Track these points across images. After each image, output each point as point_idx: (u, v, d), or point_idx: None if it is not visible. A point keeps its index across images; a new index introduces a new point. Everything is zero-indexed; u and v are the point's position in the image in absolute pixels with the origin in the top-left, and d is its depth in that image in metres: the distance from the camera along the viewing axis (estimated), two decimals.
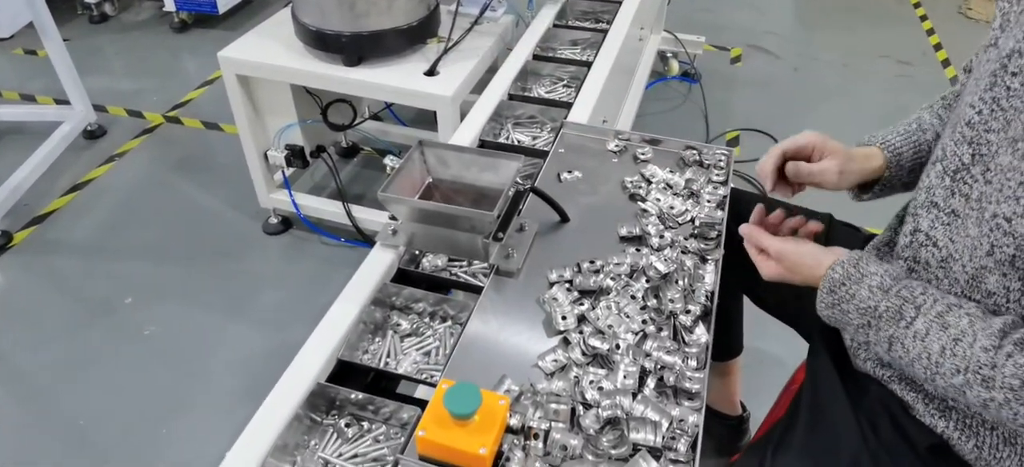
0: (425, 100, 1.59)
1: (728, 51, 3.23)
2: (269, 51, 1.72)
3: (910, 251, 0.82)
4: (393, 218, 1.02)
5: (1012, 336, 0.66)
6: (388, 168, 1.00)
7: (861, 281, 0.76)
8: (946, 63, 3.17)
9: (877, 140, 0.96)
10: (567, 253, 1.01)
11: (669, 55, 2.91)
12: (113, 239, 2.15)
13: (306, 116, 1.88)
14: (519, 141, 1.38)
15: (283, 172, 1.94)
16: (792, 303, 1.10)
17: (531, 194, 1.08)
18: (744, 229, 0.92)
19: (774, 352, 1.69)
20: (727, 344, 1.38)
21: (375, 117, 2.42)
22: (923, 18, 3.61)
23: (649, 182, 1.14)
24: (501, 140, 1.37)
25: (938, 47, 3.31)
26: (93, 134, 2.62)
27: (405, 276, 1.02)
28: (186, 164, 2.49)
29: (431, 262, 1.09)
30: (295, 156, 1.90)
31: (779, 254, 0.86)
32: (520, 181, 1.09)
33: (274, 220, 2.12)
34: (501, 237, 0.98)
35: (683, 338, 0.88)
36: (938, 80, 3.04)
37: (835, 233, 1.10)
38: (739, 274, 1.13)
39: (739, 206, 1.11)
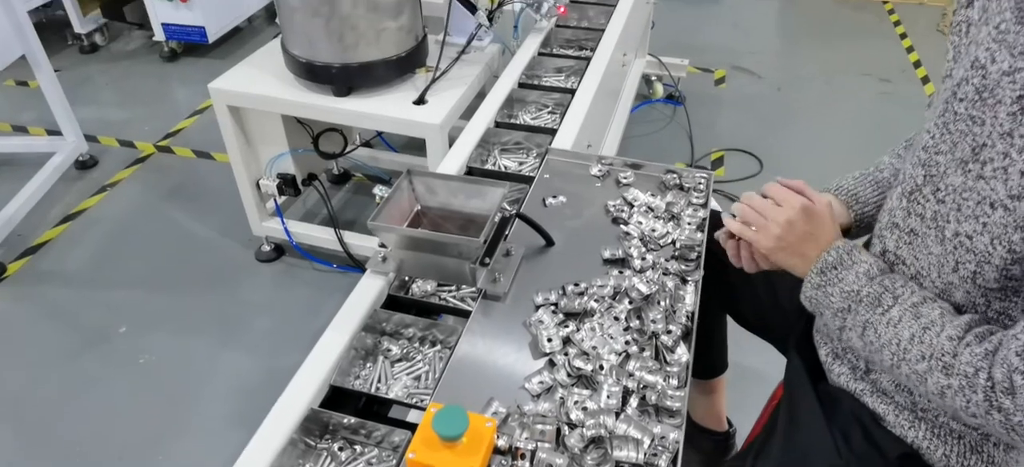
0: (414, 128, 1.63)
1: (712, 73, 3.30)
2: (260, 82, 1.76)
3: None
4: (383, 245, 1.05)
5: (975, 330, 0.70)
6: (377, 197, 1.03)
7: (851, 267, 0.81)
8: (925, 80, 3.24)
9: (832, 188, 1.01)
10: (553, 276, 1.04)
11: (654, 78, 2.97)
12: (106, 268, 2.17)
13: (297, 145, 1.91)
14: (506, 167, 1.41)
15: (275, 200, 1.97)
16: (771, 318, 1.14)
17: (517, 219, 1.11)
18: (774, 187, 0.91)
19: (759, 368, 1.71)
20: (712, 362, 1.41)
21: (366, 144, 2.45)
22: (903, 36, 3.69)
23: (631, 205, 1.18)
24: (488, 166, 1.41)
25: (918, 64, 3.39)
26: (85, 164, 2.64)
27: (395, 302, 1.05)
28: (178, 193, 2.51)
29: (421, 287, 1.12)
30: (287, 184, 1.93)
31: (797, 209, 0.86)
32: (506, 207, 1.12)
33: (266, 247, 2.14)
34: (488, 262, 1.01)
35: (665, 358, 0.91)
36: (918, 96, 3.11)
37: None
38: (720, 294, 1.17)
39: (719, 227, 1.15)
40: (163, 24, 3.27)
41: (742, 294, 1.17)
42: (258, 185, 1.95)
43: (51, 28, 3.55)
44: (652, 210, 1.17)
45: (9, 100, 3.11)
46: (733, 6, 4.14)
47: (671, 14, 3.80)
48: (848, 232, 1.00)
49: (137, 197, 2.50)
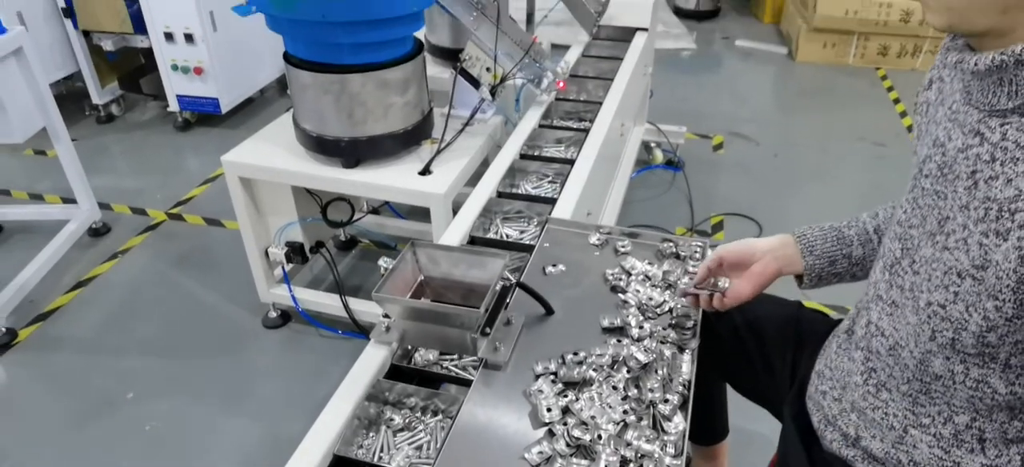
0: (420, 198, 1.68)
1: (710, 139, 3.38)
2: (271, 154, 1.83)
3: (865, 341, 0.88)
4: (387, 316, 1.08)
5: None
6: (382, 269, 1.07)
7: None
8: None
9: (795, 233, 1.06)
10: (552, 344, 1.06)
11: (653, 145, 3.05)
12: (115, 335, 2.20)
13: (306, 214, 1.97)
14: (507, 235, 1.46)
15: (283, 268, 2.01)
16: (764, 384, 1.16)
17: (518, 288, 1.14)
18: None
19: (762, 432, 1.71)
20: (713, 428, 1.42)
21: (374, 211, 2.51)
22: (896, 101, 3.79)
23: (629, 274, 1.21)
24: (490, 235, 1.45)
25: (911, 129, 3.46)
26: (98, 231, 2.70)
27: (398, 371, 1.08)
28: (187, 260, 2.56)
29: (423, 356, 1.14)
30: (295, 252, 1.97)
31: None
32: (507, 276, 1.16)
33: (273, 314, 2.17)
34: (488, 331, 1.04)
35: (662, 426, 0.93)
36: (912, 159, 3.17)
37: (804, 319, 1.16)
38: (716, 361, 1.19)
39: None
40: (178, 95, 3.39)
41: (736, 361, 1.19)
42: (267, 253, 2.00)
43: (70, 99, 3.68)
44: (649, 278, 1.20)
45: (27, 169, 3.21)
46: (729, 75, 4.27)
47: (669, 83, 3.92)
48: (800, 279, 1.05)
49: (147, 264, 2.55)
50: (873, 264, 0.90)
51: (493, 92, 1.82)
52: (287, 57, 1.70)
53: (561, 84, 1.94)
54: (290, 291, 2.03)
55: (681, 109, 3.59)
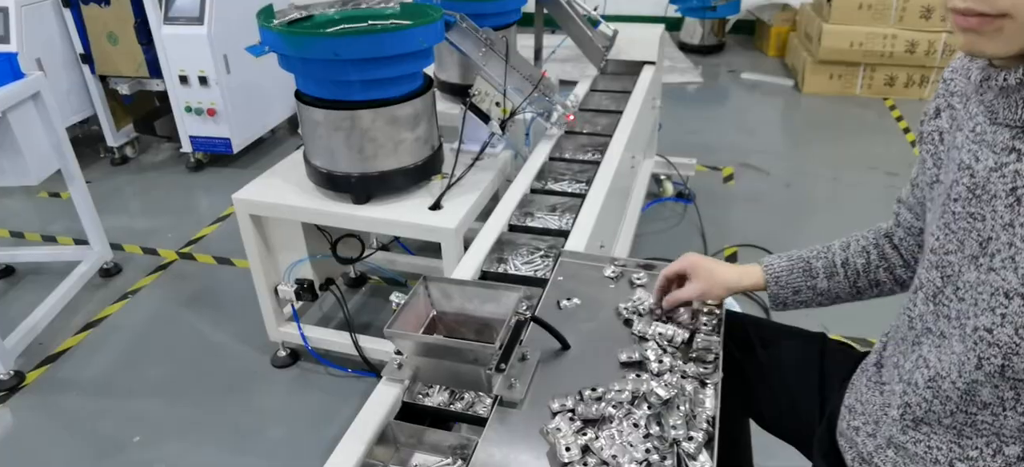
0: (430, 233, 1.67)
1: (720, 171, 3.37)
2: (281, 191, 1.82)
3: (907, 374, 0.86)
4: (399, 352, 1.06)
5: None
6: (394, 304, 1.05)
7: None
8: None
9: (763, 262, 1.12)
10: (569, 380, 1.03)
11: (663, 177, 3.04)
12: (124, 377, 2.18)
13: (316, 251, 1.96)
14: (519, 269, 1.43)
15: (292, 305, 1.99)
16: (788, 420, 1.12)
17: (532, 323, 1.12)
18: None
19: None
20: (739, 465, 1.37)
21: (383, 248, 2.50)
22: (905, 130, 3.77)
23: (638, 313, 1.18)
24: (502, 270, 1.43)
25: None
26: (109, 272, 2.70)
27: (410, 410, 1.05)
28: (198, 300, 2.55)
29: (439, 394, 1.11)
30: (305, 290, 1.96)
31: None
32: (521, 311, 1.13)
33: (282, 353, 2.15)
34: (504, 368, 1.01)
35: (687, 465, 0.89)
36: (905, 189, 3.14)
37: (828, 351, 1.13)
38: (739, 395, 1.15)
39: (734, 328, 1.15)
40: (191, 137, 3.43)
41: (760, 395, 1.15)
42: (276, 291, 1.98)
43: (85, 142, 3.74)
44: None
45: (41, 211, 3.23)
46: (736, 108, 4.28)
47: (677, 117, 3.93)
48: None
49: (157, 304, 2.54)
50: (911, 294, 0.87)
51: (503, 126, 1.82)
52: (298, 95, 1.71)
53: (571, 117, 1.94)
54: (299, 328, 2.01)
55: (690, 142, 3.59)
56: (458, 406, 1.10)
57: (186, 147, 3.47)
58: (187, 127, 3.41)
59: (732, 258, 2.65)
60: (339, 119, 1.63)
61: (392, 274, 2.48)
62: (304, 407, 2.03)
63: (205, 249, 2.87)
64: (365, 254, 2.01)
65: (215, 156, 3.58)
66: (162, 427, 1.96)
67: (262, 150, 3.75)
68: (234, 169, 3.57)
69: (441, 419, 1.06)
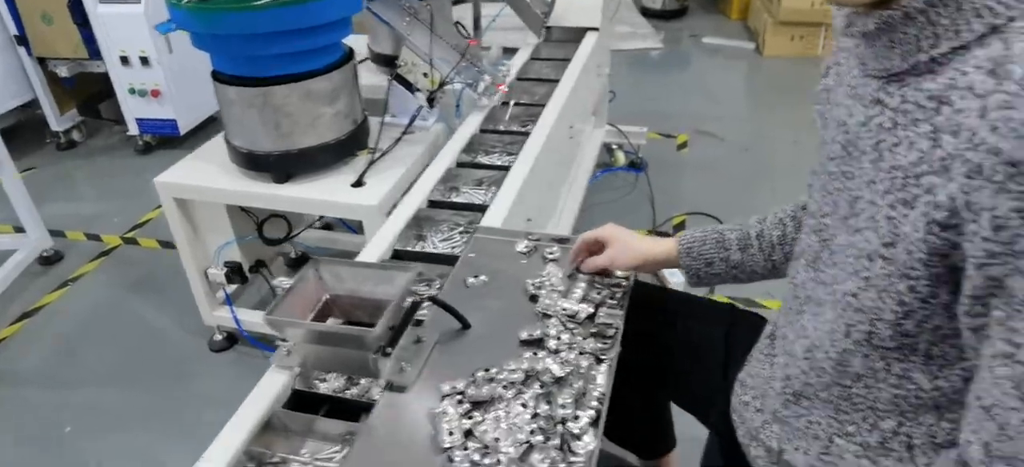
0: (352, 211, 1.62)
1: (674, 138, 3.33)
2: (204, 173, 1.77)
3: (789, 345, 0.83)
4: (283, 340, 1.02)
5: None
6: (279, 290, 1.01)
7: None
8: None
9: (677, 236, 1.10)
10: (467, 361, 1.00)
11: (614, 147, 2.99)
12: (61, 367, 2.13)
13: (243, 233, 1.90)
14: (436, 247, 1.39)
15: (224, 289, 1.95)
16: (696, 394, 1.10)
17: (433, 304, 1.08)
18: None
19: None
20: (657, 441, 1.36)
21: (327, 228, 2.45)
22: None
23: (542, 287, 1.14)
24: (419, 248, 1.39)
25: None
26: (49, 260, 2.63)
27: (303, 398, 1.01)
28: (140, 285, 2.49)
29: (336, 380, 1.08)
30: (234, 273, 1.91)
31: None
32: (418, 291, 1.09)
33: (219, 337, 2.10)
34: (390, 351, 0.97)
35: (570, 447, 0.87)
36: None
37: (737, 323, 1.10)
38: (654, 372, 1.13)
39: (644, 300, 1.12)
40: (137, 119, 3.34)
41: (669, 369, 1.13)
42: (206, 274, 1.93)
43: (30, 127, 3.61)
44: (563, 291, 1.13)
45: None
46: (697, 73, 4.23)
47: (636, 83, 3.88)
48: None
49: (99, 291, 2.47)
50: (793, 261, 0.84)
51: (431, 99, 1.76)
52: (214, 74, 1.64)
53: (502, 87, 1.88)
54: (233, 313, 1.96)
55: (647, 109, 3.54)
56: (353, 391, 1.07)
57: (133, 130, 3.38)
58: (132, 109, 3.31)
59: (681, 227, 2.62)
60: (252, 96, 1.57)
61: (334, 253, 2.43)
62: (240, 391, 1.96)
63: (151, 233, 2.80)
64: (292, 234, 1.96)
65: (164, 138, 3.49)
66: (99, 417, 1.92)
67: (211, 131, 3.64)
68: (183, 151, 3.42)
69: (339, 406, 1.03)
